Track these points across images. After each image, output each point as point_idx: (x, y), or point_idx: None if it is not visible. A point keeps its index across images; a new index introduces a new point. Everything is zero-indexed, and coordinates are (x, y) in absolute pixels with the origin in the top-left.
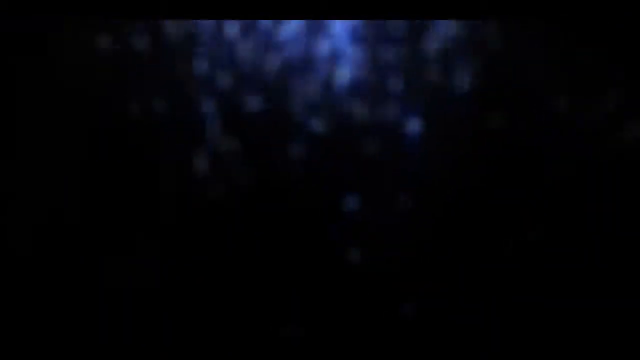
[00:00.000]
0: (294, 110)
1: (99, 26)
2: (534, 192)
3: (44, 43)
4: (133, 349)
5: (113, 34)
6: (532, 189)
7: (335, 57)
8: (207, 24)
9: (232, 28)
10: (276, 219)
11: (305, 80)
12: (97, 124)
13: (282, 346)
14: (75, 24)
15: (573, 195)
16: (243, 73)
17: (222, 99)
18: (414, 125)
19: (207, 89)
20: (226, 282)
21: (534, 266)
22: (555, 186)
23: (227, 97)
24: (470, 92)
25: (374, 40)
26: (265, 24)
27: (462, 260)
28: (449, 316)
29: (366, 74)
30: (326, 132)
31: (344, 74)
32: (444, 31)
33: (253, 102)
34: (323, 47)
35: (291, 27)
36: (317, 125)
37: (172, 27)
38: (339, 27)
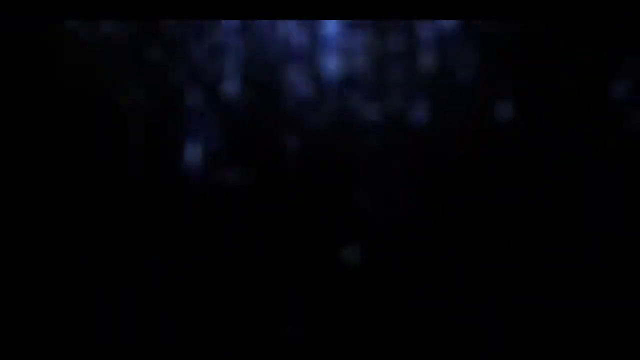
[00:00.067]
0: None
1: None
2: (534, 192)
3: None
4: (133, 349)
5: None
6: (532, 189)
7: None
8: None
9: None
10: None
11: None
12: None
13: (282, 346)
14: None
15: (573, 195)
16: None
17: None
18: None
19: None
20: (226, 282)
21: (534, 266)
22: (555, 186)
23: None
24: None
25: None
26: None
27: (462, 260)
28: (449, 316)
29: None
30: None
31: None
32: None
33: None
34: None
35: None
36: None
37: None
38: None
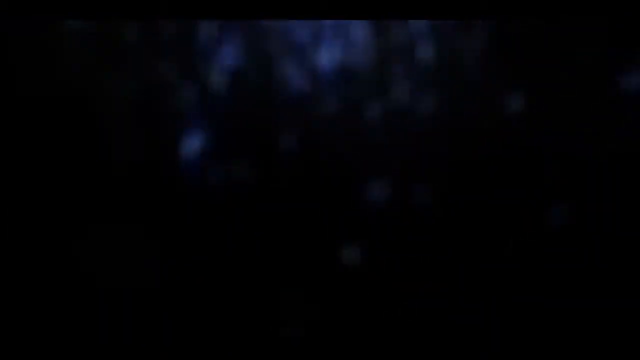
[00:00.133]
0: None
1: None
2: (534, 192)
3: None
4: (133, 349)
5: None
6: (532, 189)
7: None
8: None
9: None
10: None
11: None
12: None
13: (282, 346)
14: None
15: (573, 195)
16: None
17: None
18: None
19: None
20: (226, 282)
21: (534, 266)
22: (555, 186)
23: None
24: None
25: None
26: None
27: (462, 260)
28: (449, 316)
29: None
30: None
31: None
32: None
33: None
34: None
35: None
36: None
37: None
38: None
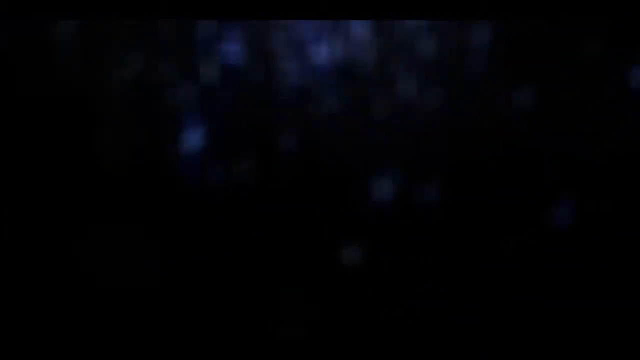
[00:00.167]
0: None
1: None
2: (534, 192)
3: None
4: (133, 349)
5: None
6: (532, 189)
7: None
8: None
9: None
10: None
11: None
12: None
13: (282, 346)
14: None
15: (573, 195)
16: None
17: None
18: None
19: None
20: (226, 282)
21: (534, 266)
22: (555, 186)
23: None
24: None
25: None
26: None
27: (462, 260)
28: (449, 316)
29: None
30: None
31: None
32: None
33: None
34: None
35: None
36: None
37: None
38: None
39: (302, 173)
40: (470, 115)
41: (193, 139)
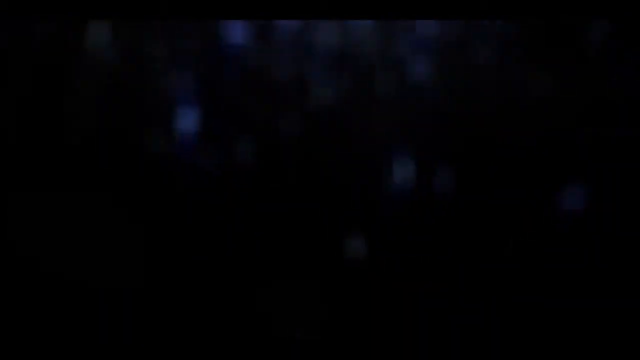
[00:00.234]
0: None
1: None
2: (534, 192)
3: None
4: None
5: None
6: (532, 189)
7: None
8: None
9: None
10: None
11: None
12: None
13: (282, 346)
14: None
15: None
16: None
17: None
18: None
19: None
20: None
21: (534, 266)
22: (555, 186)
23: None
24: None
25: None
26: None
27: (462, 260)
28: (449, 316)
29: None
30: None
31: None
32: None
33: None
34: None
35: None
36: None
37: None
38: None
39: (302, 173)
40: (470, 116)
41: (192, 136)
